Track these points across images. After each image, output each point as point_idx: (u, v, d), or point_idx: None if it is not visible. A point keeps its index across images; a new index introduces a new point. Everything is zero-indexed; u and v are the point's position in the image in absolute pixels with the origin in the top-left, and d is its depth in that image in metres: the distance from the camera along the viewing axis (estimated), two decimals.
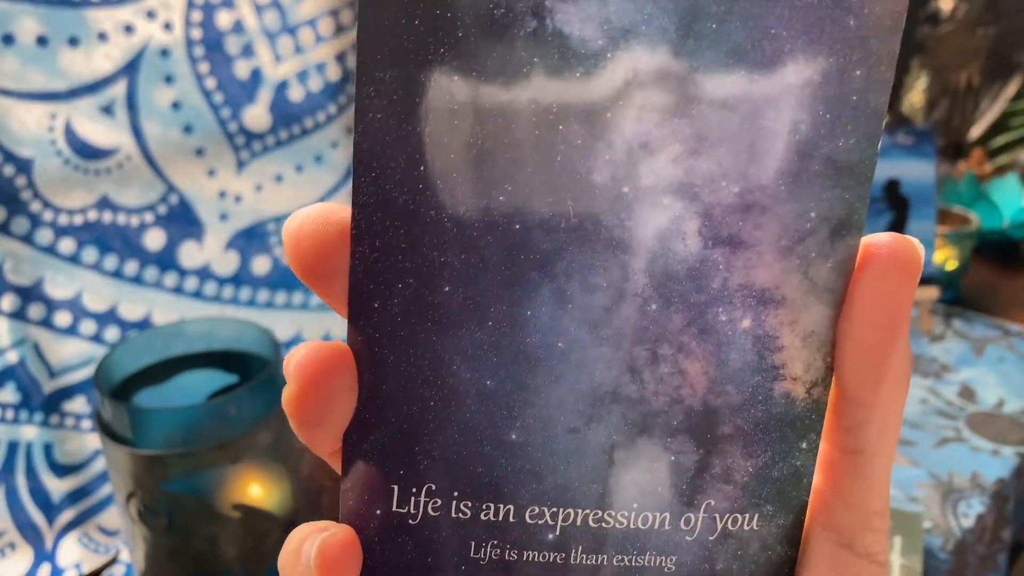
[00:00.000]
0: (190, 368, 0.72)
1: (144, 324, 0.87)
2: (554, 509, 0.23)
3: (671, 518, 0.23)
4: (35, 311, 0.80)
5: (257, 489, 0.65)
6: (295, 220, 0.22)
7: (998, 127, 1.71)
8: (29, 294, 0.79)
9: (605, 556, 0.23)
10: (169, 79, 0.84)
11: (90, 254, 0.82)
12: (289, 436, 0.68)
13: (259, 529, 0.66)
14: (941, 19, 1.66)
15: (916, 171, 1.19)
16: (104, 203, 0.82)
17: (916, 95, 1.68)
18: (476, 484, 0.23)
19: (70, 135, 0.79)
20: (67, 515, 0.85)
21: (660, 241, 0.21)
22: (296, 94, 0.92)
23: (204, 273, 0.90)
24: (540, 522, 0.23)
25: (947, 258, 1.22)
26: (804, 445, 0.23)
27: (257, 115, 0.90)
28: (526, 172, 0.21)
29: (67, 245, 0.81)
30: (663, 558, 0.24)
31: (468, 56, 0.20)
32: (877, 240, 0.22)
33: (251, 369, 0.71)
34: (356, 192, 0.21)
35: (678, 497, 0.23)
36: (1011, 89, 1.71)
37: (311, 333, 1.00)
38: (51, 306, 0.81)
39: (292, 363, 0.22)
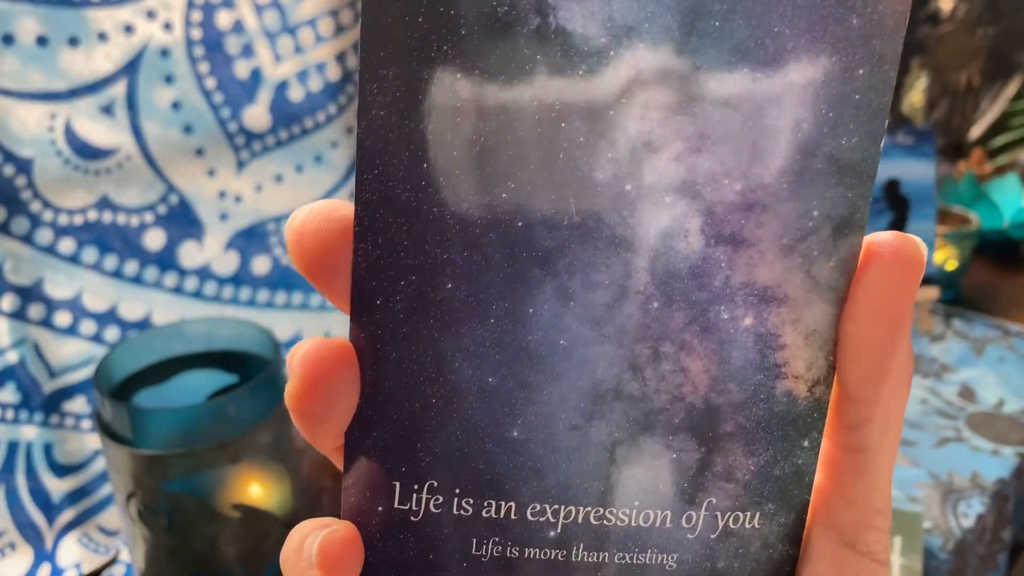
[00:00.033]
0: (190, 368, 0.72)
1: (144, 324, 0.87)
2: (556, 506, 0.23)
3: (672, 516, 0.23)
4: (35, 311, 0.80)
5: (257, 489, 0.65)
6: (298, 217, 0.22)
7: (998, 127, 1.71)
8: (29, 294, 0.79)
9: (606, 554, 0.23)
10: (169, 79, 0.84)
11: (90, 254, 0.82)
12: (289, 436, 0.68)
13: (259, 529, 0.66)
14: (941, 19, 1.66)
15: (916, 171, 1.19)
16: (104, 203, 0.82)
17: (916, 95, 1.68)
18: (478, 481, 0.23)
19: (70, 135, 0.79)
20: (67, 515, 0.85)
21: (662, 239, 0.21)
22: (296, 94, 0.92)
23: (204, 273, 0.90)
24: (542, 519, 0.23)
25: (947, 258, 1.22)
26: (806, 443, 0.23)
27: (257, 115, 0.90)
28: (529, 169, 0.21)
29: (67, 245, 0.80)
30: (664, 556, 0.24)
31: (471, 53, 0.20)
32: (880, 239, 0.22)
33: (251, 369, 0.71)
34: (359, 189, 0.21)
35: (680, 495, 0.23)
36: (1011, 89, 1.71)
37: (311, 333, 1.00)
38: (51, 306, 0.81)
39: (295, 359, 0.22)
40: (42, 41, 0.75)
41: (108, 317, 0.85)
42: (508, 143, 0.21)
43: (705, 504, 0.23)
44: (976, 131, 1.73)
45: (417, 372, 0.22)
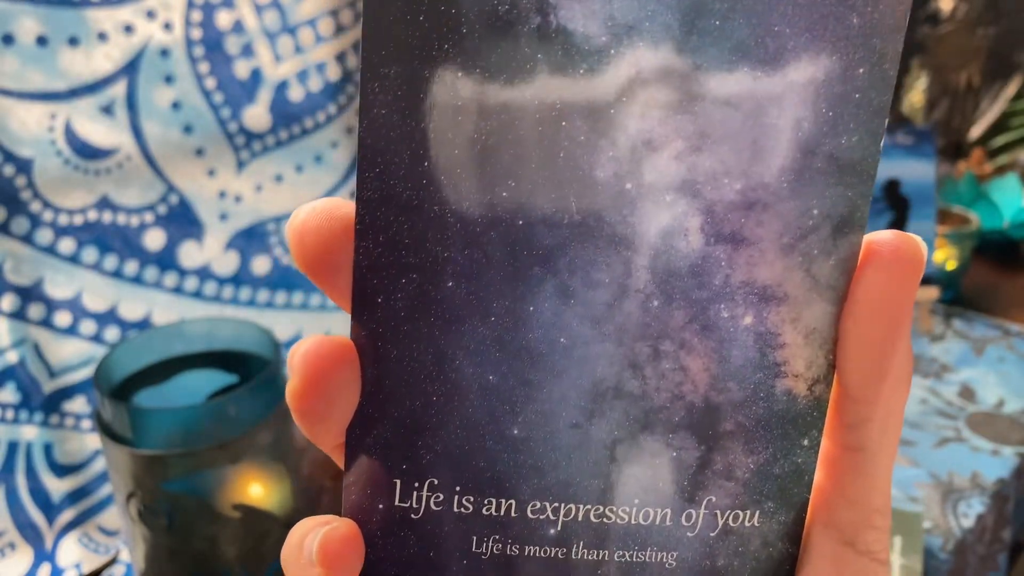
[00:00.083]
0: (190, 368, 0.72)
1: (144, 324, 0.87)
2: (556, 504, 0.23)
3: (672, 514, 0.23)
4: (35, 311, 0.80)
5: (257, 489, 0.65)
6: (299, 215, 0.22)
7: (998, 127, 1.71)
8: (29, 294, 0.79)
9: (606, 552, 0.24)
10: (169, 79, 0.84)
11: (90, 254, 0.82)
12: (289, 436, 0.68)
13: (259, 529, 0.66)
14: (941, 19, 1.66)
15: (916, 171, 1.19)
16: (104, 203, 0.82)
17: (916, 95, 1.68)
18: (478, 479, 0.23)
19: (70, 135, 0.79)
20: (67, 515, 0.85)
21: (663, 238, 0.21)
22: (296, 94, 0.92)
23: (204, 273, 0.90)
24: (542, 517, 0.23)
25: (947, 258, 1.22)
26: (806, 442, 0.23)
27: (257, 115, 0.90)
28: (529, 168, 0.21)
29: (67, 245, 0.80)
30: (664, 554, 0.24)
31: (472, 52, 0.20)
32: (880, 238, 0.22)
33: (251, 369, 0.71)
34: (360, 187, 0.21)
35: (679, 493, 0.23)
36: (1011, 89, 1.71)
37: (311, 333, 1.00)
38: (51, 306, 0.81)
39: (296, 357, 0.22)
40: (42, 41, 0.75)
41: (108, 317, 0.85)
42: (509, 142, 0.21)
43: (705, 502, 0.23)
44: (976, 131, 1.73)
45: (418, 370, 0.22)
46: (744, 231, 0.21)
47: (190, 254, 0.89)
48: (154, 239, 0.86)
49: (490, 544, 0.23)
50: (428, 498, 0.23)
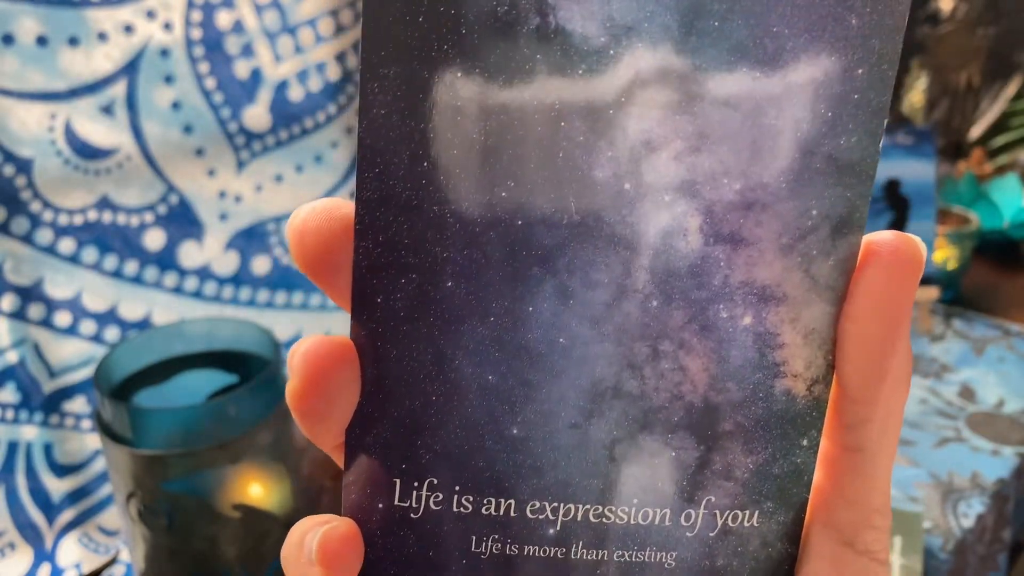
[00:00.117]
0: (190, 368, 0.72)
1: (144, 324, 0.87)
2: (555, 504, 0.23)
3: (671, 514, 0.23)
4: (35, 311, 0.80)
5: (257, 489, 0.65)
6: (299, 215, 0.22)
7: (998, 127, 1.71)
8: (29, 294, 0.79)
9: (606, 552, 0.24)
10: (169, 79, 0.84)
11: (90, 254, 0.82)
12: (289, 436, 0.68)
13: (259, 529, 0.66)
14: (941, 19, 1.66)
15: (916, 171, 1.19)
16: (104, 203, 0.82)
17: (916, 95, 1.68)
18: (477, 479, 0.23)
19: (70, 135, 0.79)
20: (67, 515, 0.85)
21: (662, 238, 0.21)
22: (296, 94, 0.92)
23: (204, 273, 0.90)
24: (541, 517, 0.23)
25: (947, 258, 1.22)
26: (805, 442, 0.23)
27: (257, 115, 0.90)
28: (528, 168, 0.21)
29: (67, 245, 0.80)
30: (663, 554, 0.24)
31: (471, 53, 0.20)
32: (879, 238, 0.22)
33: (251, 369, 0.71)
34: (360, 187, 0.21)
35: (679, 493, 0.23)
36: (1011, 89, 1.71)
37: (311, 333, 1.00)
38: (51, 306, 0.81)
39: (296, 357, 0.22)
40: (42, 41, 0.75)
41: (108, 317, 0.85)
42: (508, 142, 0.21)
43: (704, 502, 0.23)
44: (976, 131, 1.73)
45: (417, 370, 0.22)
46: (743, 231, 0.21)
47: (190, 254, 0.89)
48: (154, 239, 0.86)
49: (489, 544, 0.23)
50: (427, 497, 0.23)
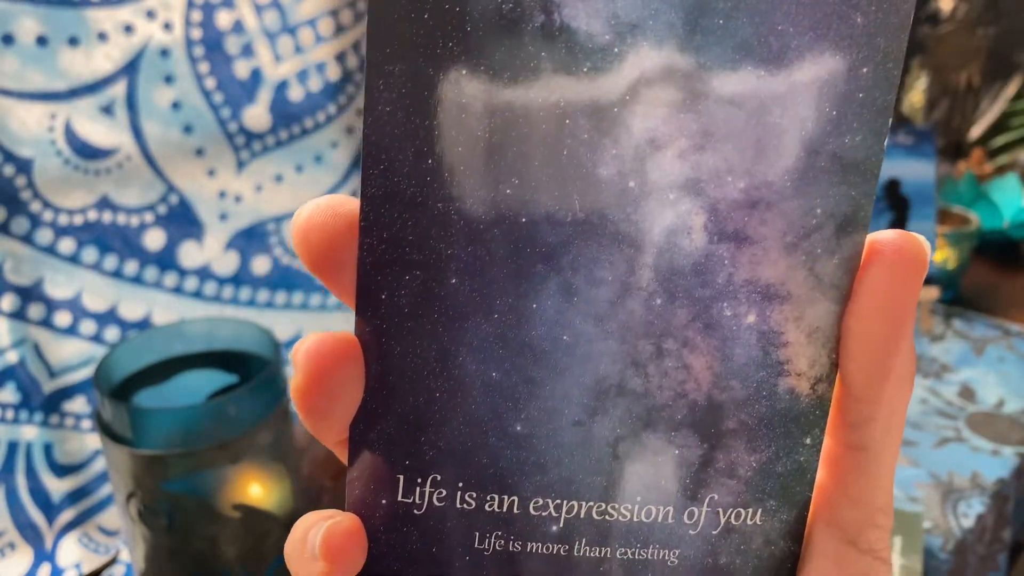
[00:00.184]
0: (190, 368, 0.72)
1: (144, 324, 0.87)
2: (558, 501, 0.23)
3: (675, 512, 0.23)
4: (35, 311, 0.80)
5: (257, 489, 0.65)
6: (304, 212, 0.22)
7: (998, 127, 1.71)
8: (29, 294, 0.79)
9: (608, 549, 0.24)
10: (169, 79, 0.84)
11: (90, 254, 0.82)
12: (289, 436, 0.68)
13: (259, 529, 0.66)
14: (941, 19, 1.66)
15: (916, 171, 1.19)
16: (104, 203, 0.82)
17: (916, 95, 1.68)
18: (481, 475, 0.23)
19: (70, 135, 0.79)
20: (67, 515, 0.85)
21: (666, 236, 0.21)
22: (296, 94, 0.92)
23: (204, 273, 0.90)
24: (544, 514, 0.23)
25: (947, 258, 1.22)
26: (808, 441, 0.23)
27: (257, 115, 0.90)
28: (533, 166, 0.21)
29: (67, 245, 0.80)
30: (666, 551, 0.24)
31: (476, 50, 0.20)
32: (883, 237, 0.22)
33: (251, 369, 0.71)
34: (365, 184, 0.21)
35: (682, 491, 0.23)
36: (1011, 89, 1.71)
37: (311, 333, 1.00)
38: (51, 306, 0.81)
39: (300, 353, 0.22)
40: (42, 41, 0.75)
41: (108, 317, 0.85)
42: (512, 139, 0.21)
43: (707, 500, 0.23)
44: (976, 131, 1.73)
45: (421, 366, 0.22)
46: (747, 230, 0.21)
47: (190, 254, 0.89)
48: (154, 239, 0.86)
49: (492, 540, 0.23)
50: (431, 494, 0.23)
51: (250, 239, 0.93)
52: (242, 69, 0.88)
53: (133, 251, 0.85)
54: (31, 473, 0.82)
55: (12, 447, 0.81)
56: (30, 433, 0.81)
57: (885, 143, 0.21)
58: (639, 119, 0.20)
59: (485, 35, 0.20)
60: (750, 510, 0.23)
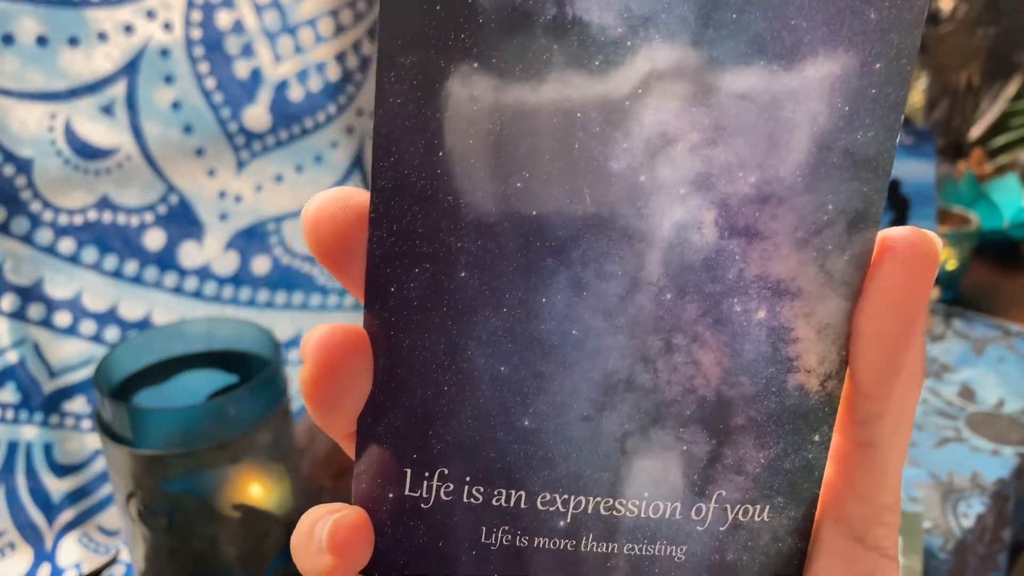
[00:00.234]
0: (190, 368, 0.72)
1: (144, 324, 0.87)
2: (565, 496, 0.23)
3: (682, 508, 0.23)
4: (35, 311, 0.80)
5: (257, 489, 0.65)
6: (314, 203, 0.22)
7: (998, 127, 1.71)
8: (29, 294, 0.79)
9: (616, 544, 0.24)
10: (169, 79, 0.83)
11: (90, 254, 0.82)
12: (289, 436, 0.68)
13: (259, 529, 0.66)
14: (941, 19, 1.66)
15: (916, 171, 1.20)
16: (104, 203, 0.82)
17: (916, 95, 1.68)
18: (488, 469, 0.23)
19: (70, 135, 0.78)
20: (67, 515, 0.85)
21: (676, 231, 0.21)
22: (296, 94, 0.92)
23: (204, 273, 0.90)
24: (551, 509, 0.23)
25: (947, 258, 1.22)
26: (817, 438, 0.23)
27: (257, 115, 0.90)
28: (544, 160, 0.21)
29: (67, 245, 0.80)
30: (673, 547, 0.24)
31: (488, 43, 0.20)
32: (894, 234, 0.21)
33: (251, 369, 0.71)
34: (375, 176, 0.21)
35: (689, 487, 0.23)
36: (1011, 89, 1.71)
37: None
38: (51, 306, 0.81)
39: (309, 345, 0.22)
40: (42, 41, 0.75)
41: (108, 317, 0.84)
42: (523, 133, 0.21)
43: (715, 496, 0.23)
44: (976, 131, 1.73)
45: (430, 360, 0.22)
46: (758, 225, 0.21)
47: (190, 254, 0.89)
48: (154, 239, 0.86)
49: (499, 535, 0.23)
50: (438, 488, 0.23)
51: (250, 239, 0.93)
52: (242, 69, 0.88)
53: (133, 251, 0.85)
54: (31, 473, 0.82)
55: (12, 447, 0.80)
56: (30, 433, 0.81)
57: (897, 139, 0.21)
58: (651, 113, 0.20)
59: (497, 27, 0.20)
60: (758, 506, 0.23)
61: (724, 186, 0.21)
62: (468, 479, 0.23)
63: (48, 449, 0.83)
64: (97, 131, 0.80)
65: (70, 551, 0.84)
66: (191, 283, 0.89)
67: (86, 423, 0.85)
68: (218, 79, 0.86)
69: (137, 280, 0.86)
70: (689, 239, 0.21)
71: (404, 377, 0.22)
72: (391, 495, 0.23)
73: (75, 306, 0.82)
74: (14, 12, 0.73)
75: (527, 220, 0.21)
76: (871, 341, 0.22)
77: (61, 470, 0.84)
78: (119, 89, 0.81)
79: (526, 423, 0.23)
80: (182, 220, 0.88)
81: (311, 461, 0.80)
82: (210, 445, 0.61)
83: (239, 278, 0.93)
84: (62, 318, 0.82)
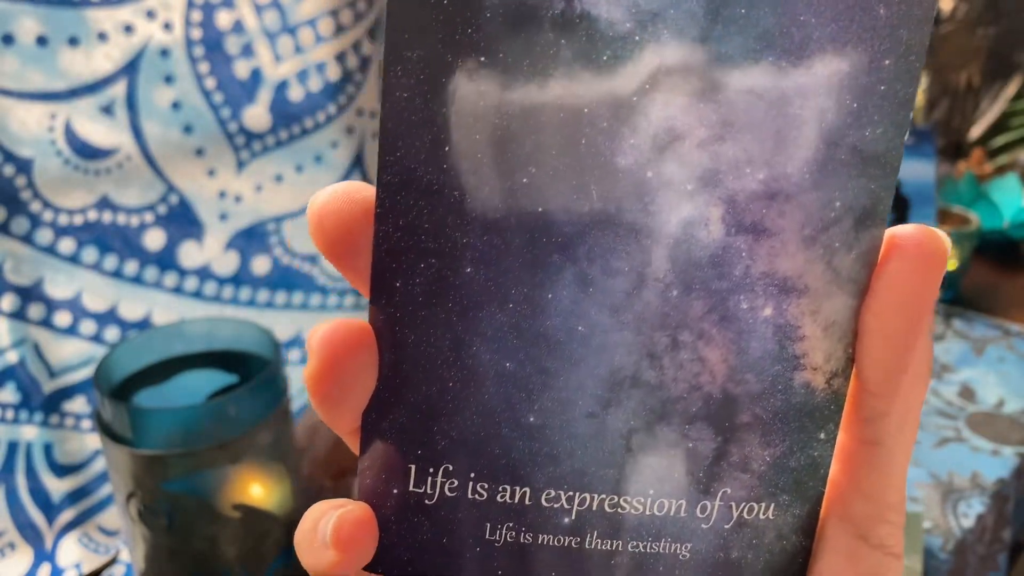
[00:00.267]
0: (190, 368, 0.72)
1: (144, 324, 0.87)
2: (570, 493, 0.23)
3: (687, 505, 0.23)
4: (35, 311, 0.80)
5: (257, 489, 0.65)
6: (319, 198, 0.22)
7: (998, 127, 1.71)
8: (29, 294, 0.79)
9: (620, 541, 0.23)
10: (169, 79, 0.83)
11: (90, 254, 0.82)
12: (289, 436, 0.68)
13: (259, 529, 0.66)
14: (941, 19, 1.66)
15: (916, 171, 1.20)
16: (104, 203, 0.82)
17: (916, 95, 1.68)
18: (493, 466, 0.23)
19: (70, 135, 0.78)
20: (67, 515, 0.85)
21: (683, 227, 0.21)
22: (296, 94, 0.92)
23: (204, 273, 0.90)
24: (556, 506, 0.23)
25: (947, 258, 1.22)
26: (822, 435, 0.23)
27: (257, 115, 0.90)
28: (550, 155, 0.21)
29: (67, 245, 0.80)
30: (678, 545, 0.24)
31: (495, 37, 0.20)
32: (902, 231, 0.21)
33: (251, 369, 0.70)
34: (381, 171, 0.21)
35: (694, 484, 0.23)
36: (1011, 89, 1.71)
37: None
38: (51, 306, 0.81)
39: (314, 340, 0.22)
40: (42, 41, 0.75)
41: (108, 317, 0.84)
42: (530, 128, 0.20)
43: (720, 494, 0.23)
44: (976, 131, 1.73)
45: (435, 355, 0.22)
46: (765, 222, 0.21)
47: (190, 254, 0.89)
48: (154, 239, 0.86)
49: (504, 531, 0.23)
50: (442, 484, 0.23)
51: (250, 239, 0.93)
52: (242, 69, 0.88)
53: (133, 251, 0.85)
54: (31, 473, 0.82)
55: (12, 447, 0.80)
56: (30, 433, 0.81)
57: (906, 136, 0.21)
58: (658, 109, 0.20)
59: (504, 22, 0.20)
60: (763, 504, 0.23)
61: (731, 182, 0.21)
62: (473, 475, 0.23)
63: (48, 449, 0.83)
64: (97, 131, 0.80)
65: (70, 551, 0.84)
66: (191, 283, 0.89)
67: (86, 423, 0.85)
68: (218, 79, 0.86)
69: (137, 280, 0.86)
70: (696, 235, 0.21)
71: (409, 373, 0.22)
72: (395, 491, 0.23)
73: (75, 306, 0.82)
74: (14, 12, 0.73)
75: (533, 216, 0.21)
76: (878, 339, 0.22)
77: (61, 470, 0.84)
78: (119, 89, 0.81)
79: (531, 419, 0.23)
80: (182, 220, 0.87)
81: (311, 461, 0.80)
82: (210, 445, 0.61)
83: (239, 278, 0.93)
84: (62, 318, 0.82)
